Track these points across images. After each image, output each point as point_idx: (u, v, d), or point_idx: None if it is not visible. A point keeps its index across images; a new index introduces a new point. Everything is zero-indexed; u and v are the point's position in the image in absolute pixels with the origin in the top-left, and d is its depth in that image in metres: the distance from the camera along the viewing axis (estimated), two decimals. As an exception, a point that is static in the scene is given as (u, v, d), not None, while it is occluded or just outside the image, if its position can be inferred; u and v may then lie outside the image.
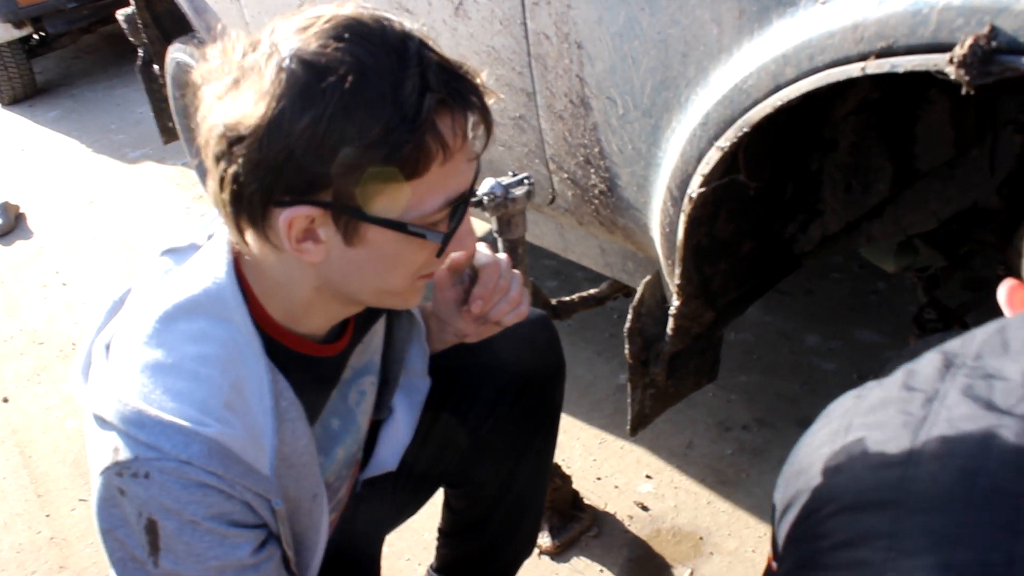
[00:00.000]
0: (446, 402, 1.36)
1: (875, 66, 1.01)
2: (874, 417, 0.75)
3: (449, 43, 1.76)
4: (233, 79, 0.84)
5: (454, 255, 1.12)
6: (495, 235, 1.55)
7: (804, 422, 2.24)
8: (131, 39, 3.56)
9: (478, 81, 0.89)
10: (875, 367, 2.21)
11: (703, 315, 1.54)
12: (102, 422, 0.91)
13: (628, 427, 1.70)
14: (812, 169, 1.55)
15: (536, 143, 1.65)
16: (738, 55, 1.20)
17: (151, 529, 0.89)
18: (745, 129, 1.20)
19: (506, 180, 1.50)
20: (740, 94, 1.19)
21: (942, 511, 0.64)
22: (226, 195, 0.87)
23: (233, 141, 0.83)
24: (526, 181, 1.51)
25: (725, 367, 1.90)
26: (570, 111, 1.52)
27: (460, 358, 1.32)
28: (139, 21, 3.42)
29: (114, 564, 0.95)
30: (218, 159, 0.85)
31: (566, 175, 1.63)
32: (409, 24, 0.87)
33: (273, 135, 0.81)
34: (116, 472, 0.89)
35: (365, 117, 0.81)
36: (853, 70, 1.03)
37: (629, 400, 1.66)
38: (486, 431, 1.38)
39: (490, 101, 0.90)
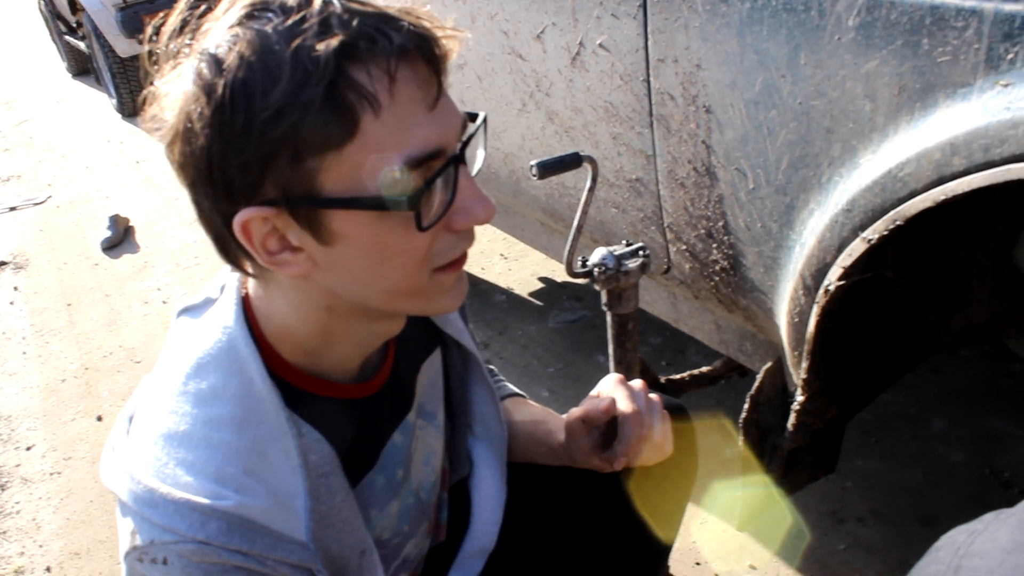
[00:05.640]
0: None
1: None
2: (987, 562, 0.60)
3: (563, 94, 1.66)
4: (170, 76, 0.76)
5: (590, 408, 1.04)
6: (604, 308, 1.43)
7: (927, 520, 2.05)
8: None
9: (420, 22, 0.75)
10: (1010, 463, 2.01)
11: (828, 410, 1.39)
12: (120, 503, 0.83)
13: (736, 521, 1.56)
14: (960, 255, 1.39)
15: (653, 209, 1.53)
16: (894, 137, 1.06)
17: None
18: (898, 222, 1.06)
19: (619, 250, 1.38)
20: (895, 182, 1.05)
21: None
22: (200, 222, 0.80)
23: (171, 158, 0.76)
24: (641, 252, 1.38)
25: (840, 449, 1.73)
26: (693, 179, 1.39)
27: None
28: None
29: None
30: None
31: (684, 247, 1.50)
32: None
33: (188, 138, 0.72)
34: (136, 558, 0.81)
35: (266, 86, 0.69)
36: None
37: (739, 492, 1.52)
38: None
39: (445, 41, 0.76)
